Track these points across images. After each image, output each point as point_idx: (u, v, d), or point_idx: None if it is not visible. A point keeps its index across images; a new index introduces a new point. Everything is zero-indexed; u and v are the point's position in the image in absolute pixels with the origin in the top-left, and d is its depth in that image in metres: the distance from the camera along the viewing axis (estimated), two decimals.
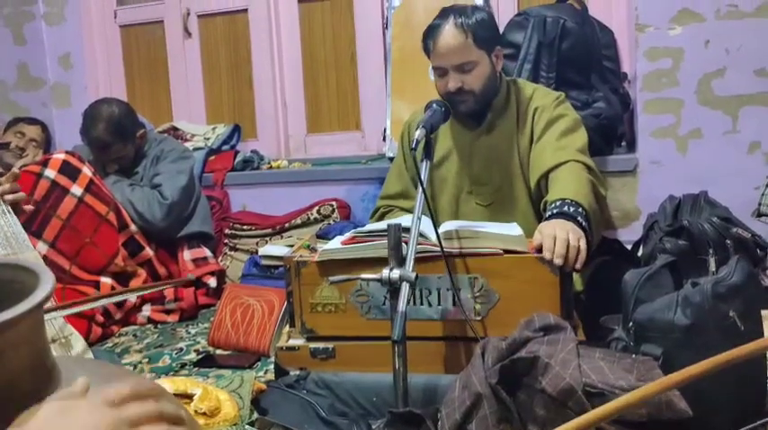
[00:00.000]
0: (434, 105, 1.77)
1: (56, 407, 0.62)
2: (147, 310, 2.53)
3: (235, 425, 1.18)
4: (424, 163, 1.61)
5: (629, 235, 2.52)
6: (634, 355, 1.33)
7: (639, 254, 2.26)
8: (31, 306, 0.66)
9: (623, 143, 2.80)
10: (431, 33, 1.98)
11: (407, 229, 1.49)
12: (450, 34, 1.93)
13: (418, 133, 1.58)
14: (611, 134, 2.68)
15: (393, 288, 1.41)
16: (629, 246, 2.29)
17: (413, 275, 1.39)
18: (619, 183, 2.61)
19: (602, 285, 1.92)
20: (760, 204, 2.46)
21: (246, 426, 1.22)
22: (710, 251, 2.00)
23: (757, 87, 2.47)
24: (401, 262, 1.43)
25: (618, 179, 2.61)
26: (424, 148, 1.62)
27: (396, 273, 1.41)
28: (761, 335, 1.41)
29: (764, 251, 2.14)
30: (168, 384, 1.21)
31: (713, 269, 1.93)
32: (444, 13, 1.98)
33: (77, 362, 0.82)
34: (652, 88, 2.58)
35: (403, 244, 1.48)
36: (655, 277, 1.51)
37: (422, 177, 1.56)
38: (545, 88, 2.15)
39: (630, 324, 1.43)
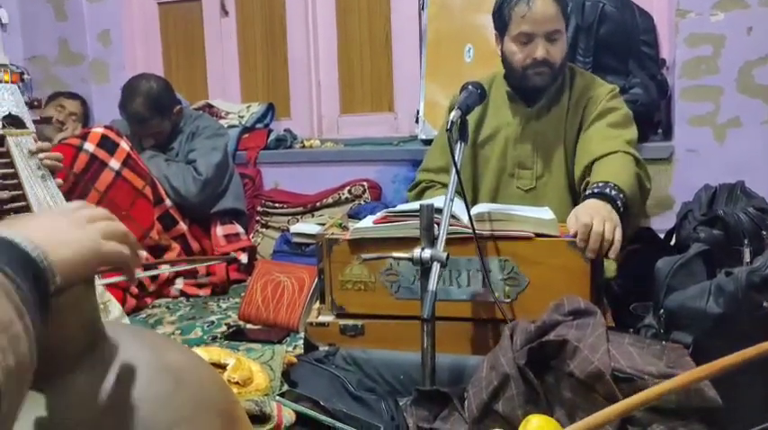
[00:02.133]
0: (470, 87, 1.77)
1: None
2: (179, 284, 2.58)
3: (266, 395, 1.21)
4: (459, 144, 1.61)
5: (662, 223, 2.49)
6: (664, 342, 1.33)
7: (672, 243, 2.24)
8: None
9: (659, 130, 2.76)
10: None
11: (440, 210, 1.50)
12: (546, 1, 1.91)
13: (453, 114, 1.58)
14: (647, 121, 2.64)
15: (424, 267, 1.42)
16: (661, 235, 2.27)
17: (444, 255, 1.40)
18: (653, 170, 2.56)
19: (633, 273, 1.91)
20: None
21: (277, 397, 1.25)
22: (745, 242, 1.97)
23: None
24: (432, 242, 1.44)
25: (653, 167, 2.56)
26: (459, 130, 1.62)
27: (427, 253, 1.42)
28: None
29: None
30: (203, 353, 1.24)
31: (747, 260, 1.91)
32: None
33: (122, 326, 0.85)
34: (691, 75, 2.54)
35: (435, 224, 1.48)
36: (688, 265, 1.50)
37: (455, 159, 1.56)
38: (600, 80, 2.12)
39: (661, 311, 1.43)
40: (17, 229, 0.61)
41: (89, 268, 0.67)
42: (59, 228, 0.66)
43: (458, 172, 1.53)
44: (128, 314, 2.32)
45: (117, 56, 3.51)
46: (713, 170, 2.42)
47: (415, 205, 1.66)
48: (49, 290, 0.59)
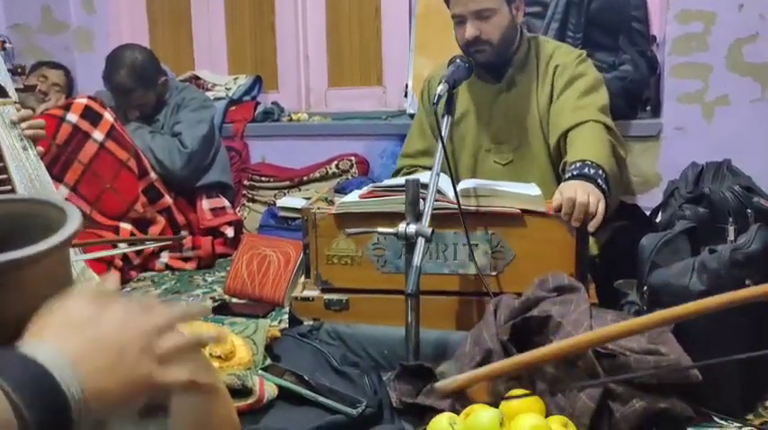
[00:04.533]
0: (458, 60, 1.75)
1: (89, 304, 0.60)
2: (164, 257, 2.57)
3: (248, 369, 1.20)
4: (445, 119, 1.60)
5: (648, 201, 2.49)
6: None
7: (658, 220, 2.25)
8: (59, 242, 0.68)
9: (648, 107, 2.75)
10: None
11: (425, 185, 1.49)
12: None
13: (440, 88, 1.56)
14: (635, 98, 2.64)
15: (409, 242, 1.42)
16: (647, 212, 2.28)
17: (428, 231, 1.40)
18: (641, 148, 2.58)
19: (618, 250, 1.92)
20: None
21: (260, 371, 1.25)
22: (730, 220, 1.97)
23: None
24: (418, 217, 1.44)
25: (640, 144, 2.58)
26: (446, 104, 1.61)
27: (412, 228, 1.41)
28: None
29: None
30: (185, 327, 1.23)
31: (732, 238, 1.91)
32: None
33: None
34: (681, 52, 2.53)
35: (420, 200, 1.48)
36: (672, 243, 1.50)
37: (442, 133, 1.55)
38: (567, 46, 2.12)
39: (645, 288, 1.43)
40: (54, 339, 0.51)
41: (135, 399, 0.58)
42: (110, 347, 0.56)
43: (444, 147, 1.52)
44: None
45: (102, 24, 3.45)
46: (701, 148, 2.42)
47: (402, 180, 1.66)
48: (71, 424, 0.49)
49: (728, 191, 2.05)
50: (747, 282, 1.33)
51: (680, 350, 1.23)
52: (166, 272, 2.54)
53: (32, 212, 0.73)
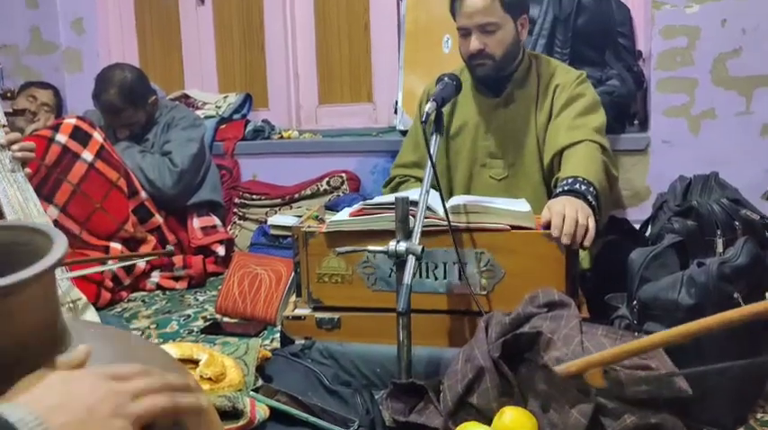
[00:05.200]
0: (446, 79, 1.76)
1: (57, 377, 0.62)
2: (155, 277, 2.56)
3: (239, 391, 1.20)
4: (434, 137, 1.60)
5: (638, 214, 2.51)
6: (636, 334, 1.34)
7: (647, 233, 2.26)
8: (44, 268, 0.67)
9: (636, 121, 2.78)
10: None
11: (415, 203, 1.50)
12: None
13: (428, 106, 1.57)
14: (623, 112, 2.66)
15: (399, 261, 1.42)
16: (637, 226, 2.29)
17: (419, 248, 1.40)
18: (630, 161, 2.60)
19: (608, 264, 1.93)
20: None
21: (251, 393, 1.24)
22: (718, 232, 1.99)
23: None
24: (408, 235, 1.44)
25: (629, 158, 2.60)
26: (435, 122, 1.62)
27: (402, 246, 1.41)
28: (765, 318, 1.41)
29: None
30: (174, 349, 1.23)
31: (720, 250, 1.93)
32: None
33: (88, 325, 0.83)
34: (666, 67, 2.55)
35: (410, 217, 1.48)
36: (661, 256, 1.51)
37: (431, 151, 1.56)
38: (566, 66, 2.14)
39: (635, 302, 1.44)
40: (25, 400, 0.53)
41: None
42: (79, 406, 0.57)
43: (433, 165, 1.53)
44: (102, 308, 2.30)
45: (91, 44, 3.46)
46: (688, 161, 2.44)
47: (391, 198, 1.66)
48: None
49: (716, 203, 2.06)
50: (735, 295, 1.34)
51: (670, 364, 1.23)
52: (157, 291, 2.53)
53: (17, 239, 0.73)
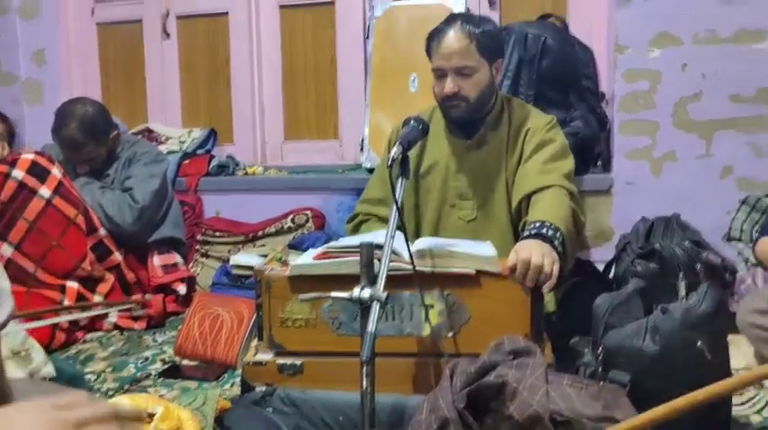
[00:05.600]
0: (412, 122, 1.76)
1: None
2: (113, 317, 2.48)
3: None
4: (400, 180, 1.59)
5: (602, 254, 2.53)
6: (602, 382, 1.33)
7: (611, 275, 2.27)
8: None
9: (599, 162, 2.81)
10: (436, 35, 1.98)
11: (380, 247, 1.48)
12: (454, 37, 1.94)
13: (394, 151, 1.56)
14: (587, 153, 2.68)
15: (363, 307, 1.39)
16: (601, 265, 2.30)
17: (383, 295, 1.37)
18: (593, 202, 2.62)
19: (573, 306, 1.93)
20: (730, 229, 2.49)
21: None
22: (681, 275, 2.01)
23: (732, 112, 2.49)
24: (372, 280, 1.41)
25: (593, 198, 2.62)
26: (401, 165, 1.61)
27: (366, 293, 1.38)
28: (728, 365, 1.42)
29: (733, 276, 2.17)
30: (128, 401, 1.18)
31: (683, 293, 1.94)
32: (452, 18, 1.99)
33: (33, 384, 0.79)
34: (629, 109, 2.59)
35: (375, 261, 1.46)
36: (625, 303, 1.51)
37: (396, 195, 1.54)
38: (538, 110, 2.15)
39: (600, 349, 1.43)
40: None
41: None
42: None
43: (398, 209, 1.51)
44: (57, 350, 2.23)
45: (52, 77, 3.41)
46: (651, 202, 2.48)
47: (355, 241, 1.64)
48: None
49: (678, 246, 2.09)
50: (699, 343, 1.34)
51: (635, 415, 1.22)
52: (114, 332, 2.45)
53: None
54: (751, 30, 2.44)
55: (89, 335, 2.41)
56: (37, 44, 3.40)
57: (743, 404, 1.63)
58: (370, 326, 1.34)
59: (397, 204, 1.50)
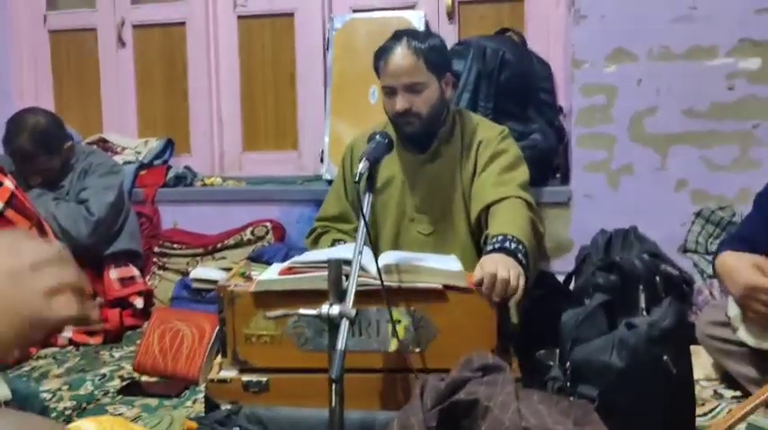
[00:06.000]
0: (378, 137, 1.76)
1: None
2: (68, 331, 2.41)
3: None
4: (367, 196, 1.59)
5: (562, 266, 2.56)
6: (571, 398, 1.35)
7: (572, 287, 2.30)
8: None
9: (558, 175, 2.85)
10: (383, 53, 1.98)
11: (348, 262, 1.47)
12: (401, 55, 1.94)
13: (361, 166, 1.56)
14: (546, 166, 2.73)
15: (332, 324, 1.38)
16: (561, 277, 2.33)
17: (353, 312, 1.36)
18: (552, 214, 2.66)
19: (536, 319, 1.94)
20: (686, 241, 2.55)
21: None
22: (641, 287, 2.05)
23: (685, 127, 2.56)
24: (341, 297, 1.40)
25: (552, 211, 2.66)
26: (367, 181, 1.60)
27: (335, 310, 1.37)
28: (691, 378, 1.45)
29: (690, 287, 2.22)
30: (93, 425, 1.15)
31: (643, 305, 1.98)
32: (398, 35, 1.99)
33: None
34: (586, 123, 2.64)
35: (343, 277, 1.45)
36: (590, 317, 1.53)
37: (364, 210, 1.54)
38: (489, 121, 2.18)
39: (567, 364, 1.45)
40: None
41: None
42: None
43: (366, 224, 1.50)
44: (10, 367, 2.15)
45: (2, 84, 3.31)
46: (609, 214, 2.52)
47: (322, 255, 1.63)
48: None
49: (637, 259, 2.13)
50: (665, 357, 1.36)
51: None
52: (70, 347, 2.38)
53: None
54: (704, 47, 2.51)
55: (43, 351, 2.34)
56: None
57: (705, 415, 1.67)
58: (340, 344, 1.33)
59: (365, 218, 1.50)
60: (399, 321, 1.61)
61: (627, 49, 2.58)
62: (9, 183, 2.34)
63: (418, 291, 1.61)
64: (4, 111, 2.89)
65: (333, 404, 1.36)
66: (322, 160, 2.99)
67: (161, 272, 2.89)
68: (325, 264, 1.45)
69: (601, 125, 2.63)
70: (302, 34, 3.21)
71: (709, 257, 2.44)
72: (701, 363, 1.88)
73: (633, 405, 1.34)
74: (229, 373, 1.67)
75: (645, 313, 1.85)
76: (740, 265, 1.63)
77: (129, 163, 3.10)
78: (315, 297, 1.50)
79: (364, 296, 1.56)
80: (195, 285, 2.48)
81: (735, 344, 1.74)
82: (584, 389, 1.38)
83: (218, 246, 2.88)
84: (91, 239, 2.54)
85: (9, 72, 3.33)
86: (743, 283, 1.61)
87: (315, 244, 2.16)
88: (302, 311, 1.43)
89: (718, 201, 2.54)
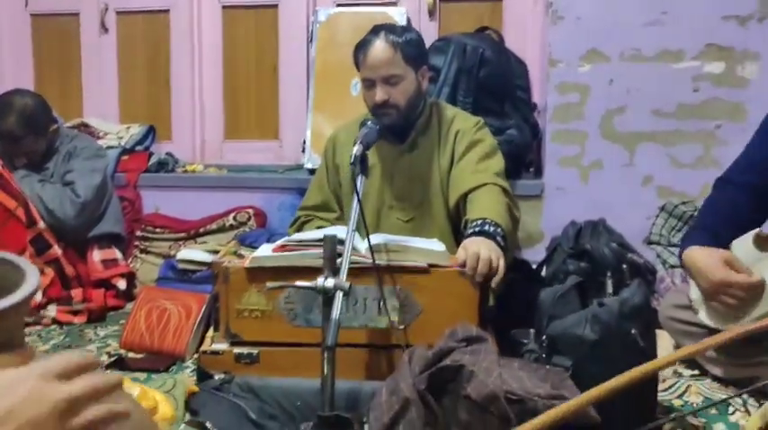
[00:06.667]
0: (369, 123, 1.84)
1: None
2: (52, 311, 2.45)
3: (172, 425, 1.20)
4: (360, 178, 1.67)
5: (532, 255, 2.67)
6: (548, 366, 1.45)
7: (543, 273, 2.42)
8: (17, 301, 0.69)
9: (531, 169, 2.97)
10: (362, 47, 2.06)
11: (342, 241, 1.55)
12: (379, 48, 2.03)
13: (356, 149, 1.64)
14: (520, 160, 2.84)
15: (327, 296, 1.47)
16: (533, 265, 2.45)
17: (347, 285, 1.45)
18: (525, 206, 2.76)
19: (510, 301, 2.05)
20: (651, 233, 2.69)
21: (183, 425, 1.24)
22: (608, 274, 2.18)
23: (653, 126, 2.69)
24: (336, 271, 1.49)
25: (525, 202, 2.75)
26: (360, 164, 1.69)
27: (330, 282, 1.46)
28: (655, 351, 1.57)
29: (653, 276, 2.36)
30: (136, 390, 1.21)
31: (610, 291, 2.11)
32: (376, 29, 2.08)
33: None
34: (560, 120, 2.76)
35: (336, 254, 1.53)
36: (565, 296, 1.64)
37: (358, 191, 1.63)
38: (465, 113, 2.27)
39: (544, 337, 1.55)
40: None
41: None
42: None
43: (360, 205, 1.59)
44: None
45: None
46: (578, 207, 2.64)
47: (317, 234, 1.71)
48: None
49: (606, 247, 2.25)
50: (633, 331, 1.48)
51: (579, 394, 1.34)
52: (54, 326, 2.42)
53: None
54: (672, 50, 2.65)
55: (27, 329, 2.37)
56: None
57: (665, 390, 1.79)
58: (335, 314, 1.42)
59: (359, 199, 1.58)
60: (386, 299, 1.70)
61: (600, 50, 2.70)
62: None
63: (405, 269, 1.70)
64: None
65: (326, 372, 1.44)
66: (304, 150, 3.06)
67: (143, 255, 2.93)
68: (317, 243, 1.54)
69: (574, 122, 2.75)
70: (286, 26, 3.27)
71: (672, 249, 2.59)
72: (664, 346, 2.00)
73: (604, 375, 1.43)
74: (222, 346, 1.74)
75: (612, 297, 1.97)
76: (710, 262, 1.73)
77: (112, 147, 3.13)
78: (307, 273, 1.59)
79: (351, 275, 1.65)
80: (181, 266, 2.54)
81: (696, 326, 1.86)
82: (559, 360, 1.49)
83: (201, 230, 2.93)
84: (77, 221, 2.58)
85: None
86: (717, 281, 1.70)
87: (298, 231, 2.23)
88: (299, 283, 1.52)
89: (682, 196, 2.68)
